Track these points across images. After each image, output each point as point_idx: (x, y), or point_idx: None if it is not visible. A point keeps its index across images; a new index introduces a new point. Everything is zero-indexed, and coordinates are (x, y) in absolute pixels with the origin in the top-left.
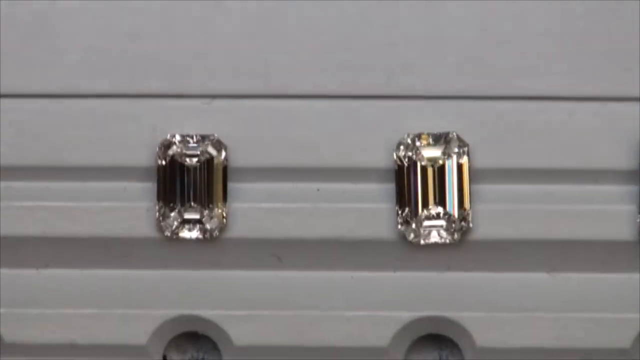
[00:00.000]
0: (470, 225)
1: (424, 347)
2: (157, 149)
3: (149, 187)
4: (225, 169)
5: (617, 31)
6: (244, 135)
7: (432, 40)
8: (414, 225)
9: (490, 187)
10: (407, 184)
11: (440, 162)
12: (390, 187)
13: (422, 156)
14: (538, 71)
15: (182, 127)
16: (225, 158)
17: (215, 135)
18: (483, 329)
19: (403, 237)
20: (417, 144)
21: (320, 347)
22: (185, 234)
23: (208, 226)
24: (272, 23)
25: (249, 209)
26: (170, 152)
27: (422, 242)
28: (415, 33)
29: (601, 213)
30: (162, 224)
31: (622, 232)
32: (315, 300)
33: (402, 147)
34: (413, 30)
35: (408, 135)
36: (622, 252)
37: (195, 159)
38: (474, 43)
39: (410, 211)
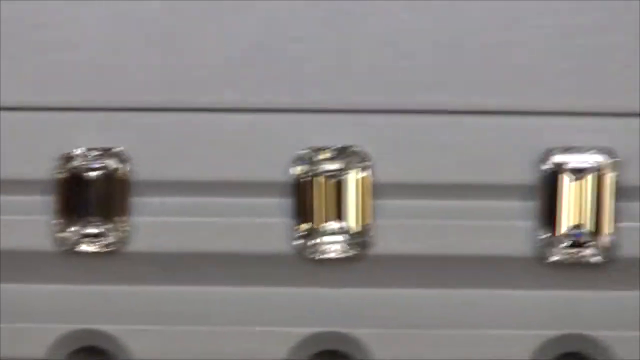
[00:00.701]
0: (371, 240)
1: None
2: (57, 162)
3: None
4: (128, 183)
5: (520, 44)
6: (147, 148)
7: (336, 54)
8: (311, 240)
9: (392, 202)
10: (306, 198)
11: (341, 176)
12: (290, 202)
13: (322, 170)
14: (441, 86)
15: (85, 140)
16: (129, 171)
17: (119, 148)
18: (380, 344)
19: (301, 252)
20: (317, 158)
21: None
22: (85, 247)
23: (109, 240)
24: (177, 37)
25: (151, 223)
26: (71, 165)
27: (319, 257)
28: (318, 47)
29: (500, 229)
30: (61, 237)
31: (521, 248)
32: (214, 315)
33: (301, 161)
34: (316, 44)
35: (308, 149)
36: (519, 269)
37: (97, 172)
38: (378, 57)
39: (308, 226)
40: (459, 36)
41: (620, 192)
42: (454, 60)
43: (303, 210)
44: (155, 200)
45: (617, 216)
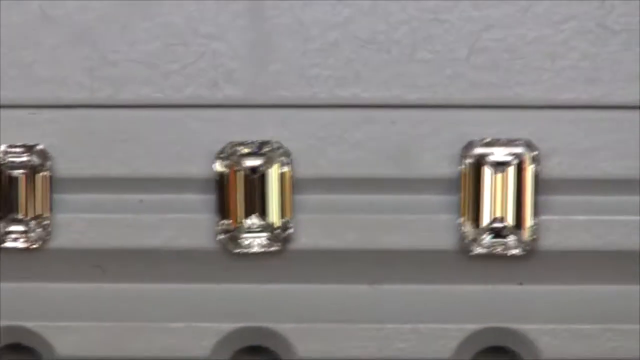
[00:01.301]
0: (292, 235)
1: (245, 358)
2: None
3: None
4: (50, 179)
5: (437, 37)
6: (69, 145)
7: (255, 49)
8: (234, 235)
9: (314, 196)
10: (228, 194)
11: (262, 171)
12: (212, 197)
13: (243, 165)
14: (360, 79)
15: (7, 137)
16: (50, 168)
17: (40, 145)
18: (304, 339)
19: (224, 247)
20: (238, 153)
21: (143, 358)
22: (8, 244)
23: (32, 237)
24: (97, 33)
25: (74, 220)
26: None
27: (243, 252)
28: (238, 42)
29: (421, 222)
30: None
31: (444, 241)
32: (138, 311)
33: (222, 157)
34: (236, 39)
35: (229, 145)
36: (444, 262)
37: (19, 170)
38: (296, 52)
39: (231, 221)
40: (377, 30)
41: (541, 185)
42: (371, 54)
43: (224, 206)
44: (78, 197)
45: (538, 209)
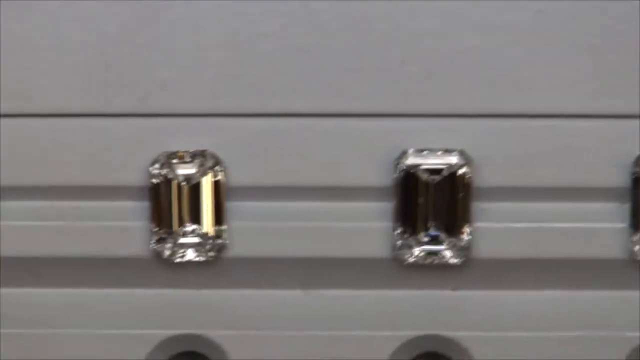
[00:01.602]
0: (226, 243)
1: None
2: None
3: None
4: None
5: (371, 47)
6: (4, 154)
7: (187, 58)
8: (168, 244)
9: (247, 204)
10: (161, 202)
11: (195, 180)
12: (147, 205)
13: (177, 174)
14: (293, 89)
15: None
16: None
17: None
18: (238, 346)
19: (158, 255)
20: (172, 162)
21: None
22: None
23: None
24: (30, 43)
25: (5, 227)
26: None
27: (177, 260)
28: (171, 52)
29: (357, 230)
30: None
31: (377, 249)
32: (72, 318)
33: (156, 165)
34: (169, 49)
35: (163, 154)
36: (378, 270)
37: None
38: (229, 61)
39: (165, 229)
40: (309, 40)
41: (476, 193)
42: (304, 63)
43: (159, 214)
44: (17, 204)
45: (473, 217)
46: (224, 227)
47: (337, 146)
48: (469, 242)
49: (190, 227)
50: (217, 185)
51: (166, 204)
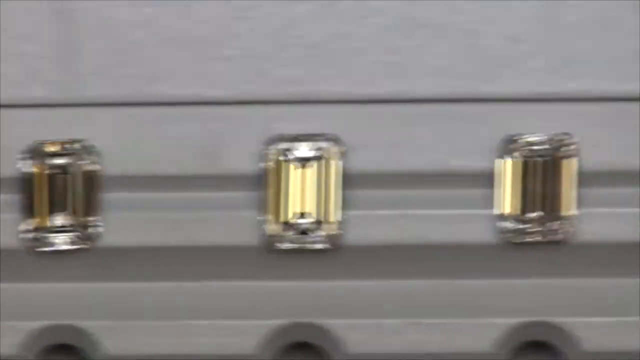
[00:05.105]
0: (101, 232)
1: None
2: None
3: None
4: None
5: (247, 36)
6: None
7: (62, 49)
8: (39, 234)
9: (122, 194)
10: (33, 193)
11: (68, 169)
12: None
13: (49, 164)
14: (167, 77)
15: None
16: None
17: None
18: (111, 337)
19: (31, 246)
20: (44, 151)
21: None
22: None
23: None
24: None
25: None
26: None
27: (48, 250)
28: (44, 42)
29: (227, 219)
30: None
31: (247, 237)
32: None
33: (28, 156)
34: (43, 39)
35: (35, 143)
36: (248, 258)
37: None
38: (103, 51)
39: (36, 220)
40: (182, 28)
41: (347, 180)
42: (177, 52)
43: (30, 205)
44: None
45: (344, 204)
46: (97, 217)
47: (209, 134)
48: (340, 229)
49: (62, 218)
50: (90, 175)
51: (37, 194)
